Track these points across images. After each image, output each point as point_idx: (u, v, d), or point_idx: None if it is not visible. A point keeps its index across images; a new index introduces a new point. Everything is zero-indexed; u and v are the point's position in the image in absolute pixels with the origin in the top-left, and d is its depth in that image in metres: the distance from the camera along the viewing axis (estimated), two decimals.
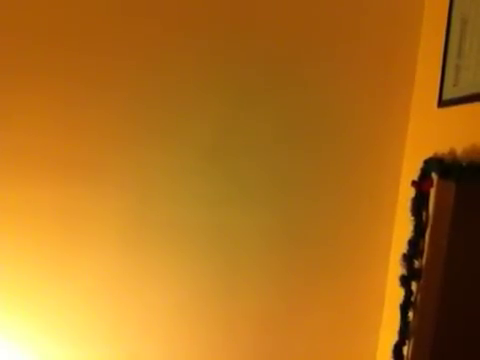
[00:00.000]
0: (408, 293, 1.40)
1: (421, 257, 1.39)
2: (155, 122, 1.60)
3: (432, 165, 1.32)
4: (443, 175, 1.25)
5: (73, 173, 1.61)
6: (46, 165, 1.60)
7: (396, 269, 1.49)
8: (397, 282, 1.44)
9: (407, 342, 1.42)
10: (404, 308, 1.42)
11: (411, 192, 1.41)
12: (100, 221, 1.63)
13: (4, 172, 1.60)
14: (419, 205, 1.38)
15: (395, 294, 1.49)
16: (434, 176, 1.35)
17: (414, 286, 1.41)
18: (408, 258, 1.40)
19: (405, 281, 1.41)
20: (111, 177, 1.62)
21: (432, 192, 1.37)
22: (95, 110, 1.59)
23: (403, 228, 1.50)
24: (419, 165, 1.38)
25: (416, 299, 1.41)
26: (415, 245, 1.39)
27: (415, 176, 1.40)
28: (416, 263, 1.39)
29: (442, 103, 1.35)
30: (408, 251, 1.40)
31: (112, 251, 1.64)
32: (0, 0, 1.53)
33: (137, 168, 1.61)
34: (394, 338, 1.45)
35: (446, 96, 1.33)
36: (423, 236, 1.38)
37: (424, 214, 1.38)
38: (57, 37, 1.55)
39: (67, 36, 1.55)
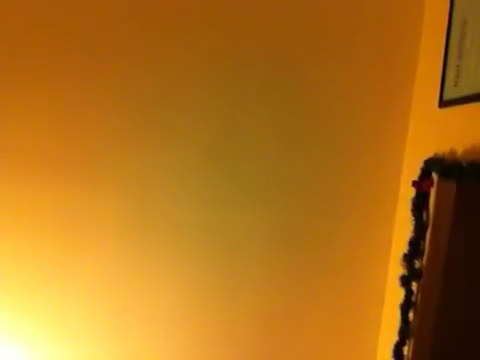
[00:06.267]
0: (408, 293, 1.40)
1: (421, 257, 1.39)
2: (155, 122, 1.60)
3: (432, 165, 1.32)
4: (443, 175, 1.24)
5: (73, 173, 1.61)
6: (46, 165, 1.60)
7: (396, 269, 1.49)
8: (397, 282, 1.44)
9: (407, 342, 1.42)
10: (404, 308, 1.41)
11: (411, 192, 1.41)
12: (100, 221, 1.63)
13: (4, 172, 1.60)
14: (419, 205, 1.38)
15: (395, 294, 1.49)
16: (434, 176, 1.35)
17: (414, 286, 1.40)
18: (408, 258, 1.39)
19: (405, 281, 1.41)
20: (111, 177, 1.62)
21: (432, 192, 1.37)
22: (95, 110, 1.59)
23: (403, 228, 1.50)
24: (419, 165, 1.38)
25: (416, 299, 1.41)
26: (415, 245, 1.39)
27: (415, 176, 1.40)
28: (416, 263, 1.39)
29: (443, 103, 1.35)
30: (408, 251, 1.40)
31: (112, 251, 1.64)
32: (2, 1, 1.53)
33: (137, 168, 1.61)
34: (394, 338, 1.45)
35: (447, 96, 1.33)
36: (423, 236, 1.38)
37: (424, 214, 1.38)
38: (57, 37, 1.55)
39: (67, 36, 1.55)
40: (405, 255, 1.41)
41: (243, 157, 1.63)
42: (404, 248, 1.42)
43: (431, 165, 1.33)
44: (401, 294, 1.42)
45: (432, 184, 1.36)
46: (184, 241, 1.65)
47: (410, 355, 1.42)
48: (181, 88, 1.59)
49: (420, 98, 1.56)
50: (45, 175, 1.61)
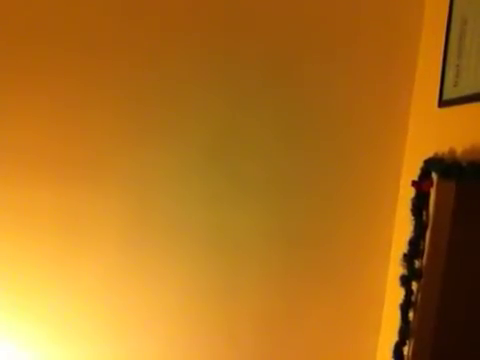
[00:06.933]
0: (408, 293, 1.40)
1: (421, 257, 1.39)
2: (155, 122, 1.60)
3: (432, 165, 1.32)
4: (443, 175, 1.24)
5: (73, 173, 1.61)
6: (46, 165, 1.60)
7: (396, 269, 1.49)
8: (397, 282, 1.44)
9: (407, 342, 1.42)
10: (404, 308, 1.41)
11: (411, 192, 1.41)
12: (100, 221, 1.63)
13: (4, 172, 1.60)
14: (419, 205, 1.38)
15: (395, 294, 1.49)
16: (434, 176, 1.35)
17: (414, 286, 1.40)
18: (408, 258, 1.39)
19: (405, 281, 1.41)
20: (111, 177, 1.62)
21: (432, 192, 1.37)
22: (95, 110, 1.59)
23: (403, 228, 1.50)
24: (419, 165, 1.38)
25: (416, 299, 1.41)
26: (415, 245, 1.39)
27: (415, 176, 1.40)
28: (416, 263, 1.39)
29: (442, 103, 1.35)
30: (408, 251, 1.40)
31: (112, 251, 1.64)
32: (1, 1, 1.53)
33: (137, 168, 1.61)
34: (394, 338, 1.45)
35: (446, 96, 1.33)
36: (423, 236, 1.38)
37: (424, 214, 1.38)
38: (57, 37, 1.55)
39: (67, 36, 1.55)
40: (405, 255, 1.41)
41: (243, 157, 1.63)
42: (404, 248, 1.42)
43: (431, 165, 1.33)
44: (401, 294, 1.42)
45: (432, 184, 1.36)
46: (184, 241, 1.65)
47: (410, 355, 1.42)
48: (181, 88, 1.59)
49: (420, 98, 1.56)
50: (45, 175, 1.61)
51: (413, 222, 1.39)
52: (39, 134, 1.59)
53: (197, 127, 1.61)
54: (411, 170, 1.50)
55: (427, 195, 1.37)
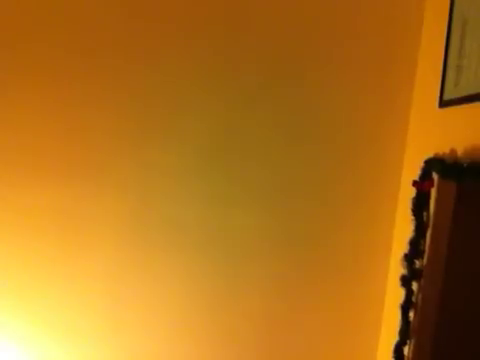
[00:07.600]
0: (409, 293, 1.40)
1: (422, 257, 1.39)
2: (155, 122, 1.60)
3: (433, 165, 1.32)
4: (444, 175, 1.24)
5: (73, 173, 1.61)
6: (46, 165, 1.60)
7: (397, 269, 1.49)
8: (398, 282, 1.44)
9: (408, 342, 1.42)
10: (405, 308, 1.42)
11: (412, 192, 1.41)
12: (100, 221, 1.63)
13: (4, 172, 1.60)
14: (420, 205, 1.38)
15: (396, 294, 1.49)
16: (435, 176, 1.35)
17: (415, 286, 1.40)
18: (409, 258, 1.39)
19: (406, 281, 1.41)
20: (111, 177, 1.62)
21: (433, 192, 1.37)
22: (95, 110, 1.59)
23: (404, 228, 1.50)
24: (420, 165, 1.38)
25: (417, 299, 1.41)
26: (416, 245, 1.39)
27: (416, 176, 1.40)
28: (417, 263, 1.39)
29: (443, 103, 1.35)
30: (409, 251, 1.40)
31: (112, 251, 1.64)
32: (1, 1, 1.53)
33: (137, 168, 1.61)
34: (395, 338, 1.45)
35: (447, 96, 1.33)
36: (424, 236, 1.38)
37: (425, 214, 1.38)
38: (57, 37, 1.56)
39: (67, 36, 1.56)
40: (405, 255, 1.41)
41: (243, 157, 1.63)
42: (404, 248, 1.42)
43: (431, 165, 1.33)
44: (401, 294, 1.42)
45: (432, 184, 1.36)
46: (184, 241, 1.65)
47: (410, 355, 1.42)
48: (181, 88, 1.59)
49: (420, 98, 1.55)
50: (45, 175, 1.61)
51: (414, 222, 1.39)
52: (39, 134, 1.59)
53: (197, 127, 1.61)
54: (412, 170, 1.50)
55: (428, 195, 1.37)
